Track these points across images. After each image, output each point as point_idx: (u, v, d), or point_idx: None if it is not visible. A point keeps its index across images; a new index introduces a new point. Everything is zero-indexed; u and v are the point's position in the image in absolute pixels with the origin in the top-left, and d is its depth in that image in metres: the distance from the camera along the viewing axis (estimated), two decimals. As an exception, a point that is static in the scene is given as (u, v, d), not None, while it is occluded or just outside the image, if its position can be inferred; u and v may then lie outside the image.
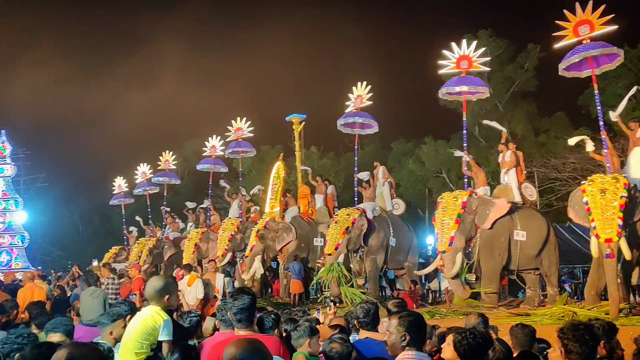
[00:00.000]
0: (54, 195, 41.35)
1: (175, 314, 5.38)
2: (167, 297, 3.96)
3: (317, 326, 4.37)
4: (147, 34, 70.41)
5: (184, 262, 15.57)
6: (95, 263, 24.25)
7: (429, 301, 14.46)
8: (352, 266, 14.03)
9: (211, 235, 17.65)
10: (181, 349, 3.64)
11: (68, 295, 11.55)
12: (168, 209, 22.01)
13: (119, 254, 22.30)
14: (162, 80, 58.50)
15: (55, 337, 4.12)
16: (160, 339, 3.78)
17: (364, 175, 15.33)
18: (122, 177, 25.42)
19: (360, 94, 15.53)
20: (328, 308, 5.58)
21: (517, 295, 15.35)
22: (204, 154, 20.77)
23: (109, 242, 28.46)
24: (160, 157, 22.49)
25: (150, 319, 3.82)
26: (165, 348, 3.76)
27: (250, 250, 15.38)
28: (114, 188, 25.71)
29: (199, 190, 20.96)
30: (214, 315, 5.17)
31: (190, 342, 4.40)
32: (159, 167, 22.62)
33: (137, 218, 23.65)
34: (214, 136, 20.29)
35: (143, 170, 23.53)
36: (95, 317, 6.23)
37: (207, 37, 69.19)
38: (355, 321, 4.26)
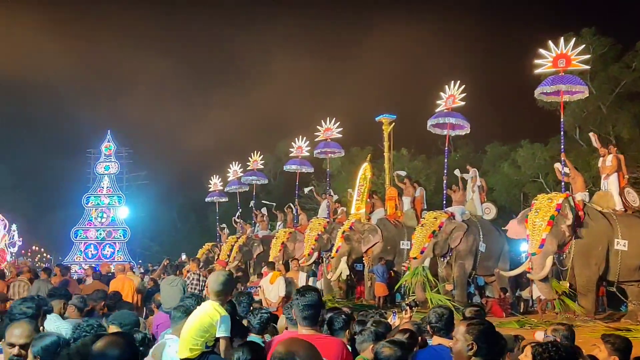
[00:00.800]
0: (154, 193, 43.39)
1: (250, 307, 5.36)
2: (229, 292, 3.93)
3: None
4: (247, 41, 72.46)
5: (270, 260, 15.77)
6: (183, 257, 25.21)
7: (520, 310, 13.79)
8: (439, 271, 13.66)
9: (298, 236, 17.81)
10: (249, 348, 3.58)
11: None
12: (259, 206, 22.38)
13: (211, 250, 22.99)
14: (259, 82, 60.00)
15: (112, 328, 4.23)
16: (217, 335, 3.73)
17: (466, 175, 14.88)
18: (217, 176, 26.28)
19: (452, 94, 15.11)
20: (404, 312, 5.38)
21: (620, 309, 14.33)
22: (290, 155, 21.08)
23: (204, 238, 29.45)
24: (250, 158, 23.09)
25: (207, 315, 3.78)
26: (222, 344, 3.71)
27: (336, 251, 15.32)
28: (209, 186, 26.64)
29: (290, 189, 21.30)
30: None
31: (259, 339, 4.34)
32: (248, 167, 23.22)
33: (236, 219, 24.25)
34: (300, 137, 20.59)
35: (235, 169, 24.26)
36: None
37: (301, 41, 70.26)
38: (428, 326, 4.06)
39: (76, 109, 57.24)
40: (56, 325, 4.69)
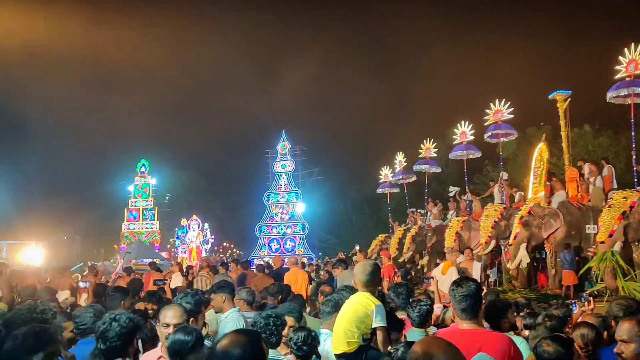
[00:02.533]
0: (328, 187, 44.80)
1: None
2: (377, 282, 3.77)
3: None
4: (415, 28, 71.94)
5: (445, 250, 15.38)
6: (357, 247, 25.58)
7: None
8: (634, 256, 12.29)
9: (472, 224, 17.12)
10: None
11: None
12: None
13: (384, 242, 23.03)
14: (428, 70, 59.28)
15: (289, 320, 4.23)
16: (374, 325, 3.58)
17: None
18: (387, 167, 26.30)
19: (634, 58, 13.50)
20: (585, 303, 4.82)
21: None
22: (454, 142, 20.37)
23: (379, 230, 29.64)
24: (422, 146, 22.73)
25: (360, 305, 3.63)
26: (379, 335, 3.54)
27: (514, 238, 14.46)
28: (380, 177, 26.75)
29: (463, 178, 20.56)
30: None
31: (421, 333, 4.14)
32: (420, 156, 22.89)
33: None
34: (463, 122, 19.83)
35: (400, 160, 24.15)
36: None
37: (466, 24, 68.25)
38: (612, 321, 3.55)
39: (254, 112, 61.09)
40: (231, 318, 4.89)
